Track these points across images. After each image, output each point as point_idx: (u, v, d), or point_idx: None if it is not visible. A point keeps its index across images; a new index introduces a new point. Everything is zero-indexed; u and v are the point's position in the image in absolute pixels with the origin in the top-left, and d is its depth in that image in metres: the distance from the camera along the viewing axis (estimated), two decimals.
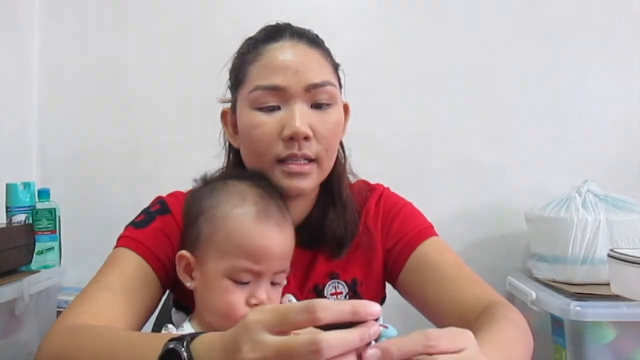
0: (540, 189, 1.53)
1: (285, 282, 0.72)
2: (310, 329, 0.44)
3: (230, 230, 0.67)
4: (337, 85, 0.82)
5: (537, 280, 1.39)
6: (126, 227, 0.82)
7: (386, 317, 0.60)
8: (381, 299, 0.90)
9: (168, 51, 1.62)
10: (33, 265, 1.29)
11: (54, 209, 1.36)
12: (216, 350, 0.48)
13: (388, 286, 0.90)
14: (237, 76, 0.82)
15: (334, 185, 0.85)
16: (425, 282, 0.81)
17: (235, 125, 0.83)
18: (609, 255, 1.15)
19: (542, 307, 1.24)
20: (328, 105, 0.78)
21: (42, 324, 1.24)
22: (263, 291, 0.67)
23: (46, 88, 1.62)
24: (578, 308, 1.13)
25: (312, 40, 0.83)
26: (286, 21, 0.86)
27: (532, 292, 1.26)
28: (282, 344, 0.43)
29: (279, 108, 0.76)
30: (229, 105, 0.87)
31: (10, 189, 1.33)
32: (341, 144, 0.87)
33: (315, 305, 0.43)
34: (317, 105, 0.78)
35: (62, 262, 1.39)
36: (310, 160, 0.77)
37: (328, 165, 0.80)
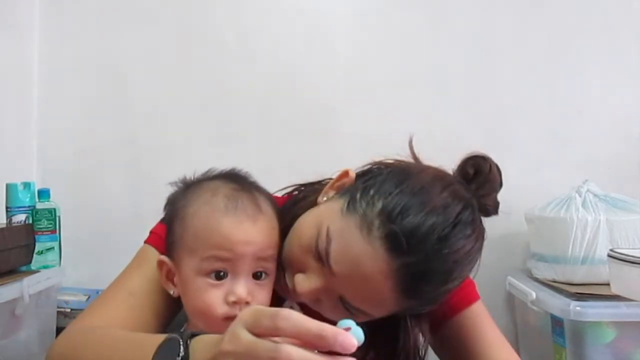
0: (540, 189, 1.53)
1: (272, 276, 0.68)
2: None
3: (197, 226, 0.65)
4: None
5: (537, 280, 1.39)
6: (158, 222, 0.79)
7: None
8: None
9: (168, 51, 1.62)
10: (33, 265, 1.28)
11: (54, 209, 1.36)
12: (209, 343, 0.49)
13: None
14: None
15: None
16: (462, 350, 0.79)
17: (341, 187, 0.72)
18: (609, 255, 1.15)
19: (542, 307, 1.24)
20: None
21: (42, 324, 1.24)
22: (242, 286, 0.63)
23: (46, 88, 1.62)
24: (578, 308, 1.13)
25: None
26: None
27: (532, 292, 1.26)
28: (250, 344, 0.43)
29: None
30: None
31: (10, 189, 1.32)
32: None
33: (280, 314, 0.42)
34: None
35: (62, 262, 1.38)
36: None
37: None
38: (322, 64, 1.60)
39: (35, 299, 1.21)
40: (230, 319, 0.59)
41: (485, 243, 1.57)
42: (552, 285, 1.31)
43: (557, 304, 1.18)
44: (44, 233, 1.34)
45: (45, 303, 1.29)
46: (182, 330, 0.54)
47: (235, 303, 0.62)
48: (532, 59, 1.62)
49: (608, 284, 1.17)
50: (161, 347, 0.51)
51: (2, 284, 1.10)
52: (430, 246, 0.61)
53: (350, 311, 0.65)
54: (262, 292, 0.66)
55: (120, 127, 1.61)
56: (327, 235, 0.64)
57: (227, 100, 1.60)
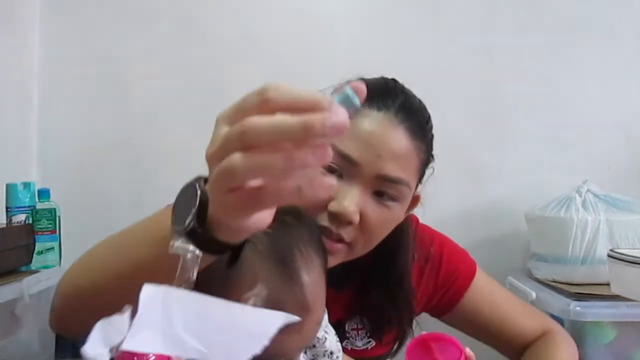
0: (540, 189, 1.53)
1: None
2: None
3: None
4: (413, 185, 0.76)
5: (537, 280, 1.39)
6: None
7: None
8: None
9: (168, 51, 1.62)
10: (33, 265, 1.28)
11: (54, 209, 1.36)
12: None
13: None
14: None
15: (394, 273, 0.80)
16: (480, 322, 0.84)
17: None
18: (609, 255, 1.15)
19: (542, 307, 1.23)
20: (392, 199, 0.72)
21: (42, 324, 1.24)
22: None
23: (46, 88, 1.62)
24: (578, 308, 1.13)
25: (416, 130, 0.75)
26: (398, 80, 0.83)
27: (532, 292, 1.26)
28: (222, 135, 0.40)
29: (340, 176, 0.69)
30: None
31: (10, 189, 1.32)
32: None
33: (267, 86, 0.39)
34: (379, 193, 0.71)
35: (62, 262, 1.38)
36: (343, 241, 0.71)
37: (361, 251, 0.74)
38: (322, 64, 1.60)
39: (35, 299, 1.21)
40: None
41: (485, 243, 1.58)
42: (552, 285, 1.31)
43: (557, 304, 1.18)
44: (44, 233, 1.34)
45: (45, 303, 1.28)
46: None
47: None
48: (532, 58, 1.62)
49: (608, 284, 1.17)
50: (178, 201, 0.48)
51: (2, 284, 1.10)
52: (400, 89, 0.77)
53: (387, 193, 0.70)
54: None
55: (120, 127, 1.61)
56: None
57: (228, 101, 1.59)
